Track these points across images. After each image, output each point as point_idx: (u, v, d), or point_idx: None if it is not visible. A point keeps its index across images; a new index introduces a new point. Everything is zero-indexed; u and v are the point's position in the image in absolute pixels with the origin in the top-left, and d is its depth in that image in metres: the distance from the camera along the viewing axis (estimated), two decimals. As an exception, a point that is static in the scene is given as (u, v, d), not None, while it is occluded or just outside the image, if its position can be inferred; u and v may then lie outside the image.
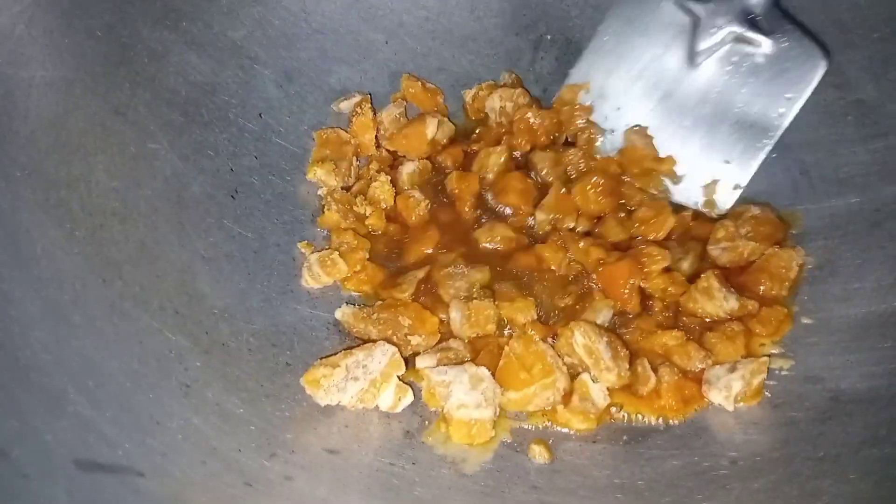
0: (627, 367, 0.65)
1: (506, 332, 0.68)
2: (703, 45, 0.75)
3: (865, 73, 0.80)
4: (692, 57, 0.76)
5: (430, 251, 0.73)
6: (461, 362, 0.64)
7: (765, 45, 0.75)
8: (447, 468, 0.61)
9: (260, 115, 0.80)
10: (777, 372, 0.67)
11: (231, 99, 0.79)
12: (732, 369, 0.65)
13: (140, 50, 0.74)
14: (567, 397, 0.64)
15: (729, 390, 0.65)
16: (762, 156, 0.74)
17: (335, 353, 0.64)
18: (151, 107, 0.74)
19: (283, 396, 0.63)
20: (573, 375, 0.65)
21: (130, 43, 0.73)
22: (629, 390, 0.65)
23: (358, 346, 0.65)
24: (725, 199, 0.75)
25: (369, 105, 0.81)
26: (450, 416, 0.62)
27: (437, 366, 0.64)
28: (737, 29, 0.74)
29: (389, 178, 0.77)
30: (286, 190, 0.78)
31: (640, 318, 0.69)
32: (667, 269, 0.70)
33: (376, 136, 0.81)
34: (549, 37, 0.89)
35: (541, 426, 0.64)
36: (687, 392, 0.65)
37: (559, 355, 0.65)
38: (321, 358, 0.64)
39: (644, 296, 0.70)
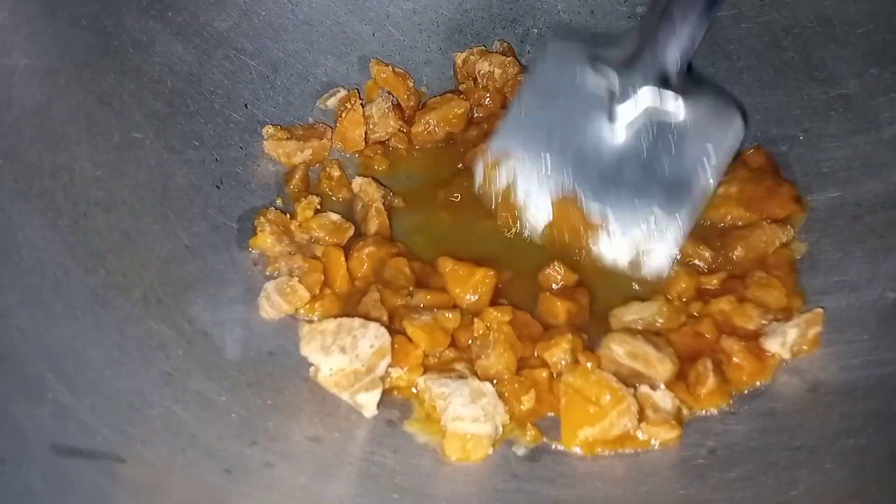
0: (672, 351, 0.65)
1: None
2: (622, 110, 0.73)
3: (848, 68, 0.80)
4: (612, 123, 0.74)
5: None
6: (464, 376, 0.63)
7: (682, 108, 0.73)
8: (428, 456, 0.61)
9: (246, 105, 0.81)
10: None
11: (217, 89, 0.79)
12: (788, 321, 0.66)
13: (125, 40, 0.74)
14: (640, 415, 0.62)
15: (784, 337, 0.66)
16: (692, 220, 0.72)
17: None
18: (137, 96, 0.74)
19: (265, 385, 0.64)
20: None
21: (115, 32, 0.74)
22: (687, 390, 0.65)
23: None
24: (659, 265, 0.72)
25: (358, 100, 0.81)
26: (444, 429, 0.61)
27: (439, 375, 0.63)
28: (653, 94, 0.72)
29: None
30: (271, 180, 0.78)
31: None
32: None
33: (365, 133, 0.81)
34: (535, 30, 0.89)
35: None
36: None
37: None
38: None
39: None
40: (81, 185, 0.67)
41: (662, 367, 0.64)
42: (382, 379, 0.63)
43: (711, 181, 0.73)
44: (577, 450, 0.62)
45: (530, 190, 0.75)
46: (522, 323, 0.68)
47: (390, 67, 0.84)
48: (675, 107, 0.74)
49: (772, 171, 0.77)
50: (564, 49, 0.80)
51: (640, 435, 0.62)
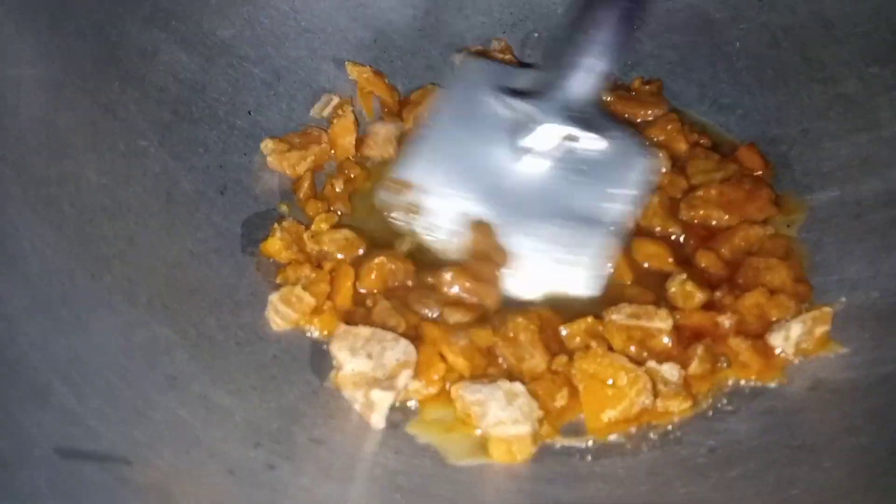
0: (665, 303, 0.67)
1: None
2: (526, 141, 0.73)
3: (848, 67, 0.81)
4: (517, 153, 0.74)
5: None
6: (494, 380, 0.64)
7: (587, 141, 0.73)
8: (430, 457, 0.62)
9: (249, 112, 0.81)
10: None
11: (220, 97, 0.80)
12: (795, 317, 0.67)
13: (129, 49, 0.75)
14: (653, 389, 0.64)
15: (788, 332, 0.66)
16: (612, 245, 0.72)
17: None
18: (141, 105, 0.75)
19: (269, 388, 0.64)
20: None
21: (120, 42, 0.74)
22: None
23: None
24: (586, 286, 0.71)
25: (350, 107, 0.81)
26: (487, 435, 0.62)
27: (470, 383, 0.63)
28: (557, 126, 0.72)
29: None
30: (275, 186, 0.79)
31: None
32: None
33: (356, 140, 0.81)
34: (536, 34, 0.90)
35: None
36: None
37: None
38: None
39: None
40: (87, 192, 0.68)
41: (661, 323, 0.66)
42: (399, 389, 0.64)
43: (626, 209, 0.74)
44: (580, 446, 0.63)
45: (436, 221, 0.75)
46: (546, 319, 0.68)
47: (368, 67, 0.84)
48: (584, 140, 0.74)
49: (763, 169, 0.77)
50: (477, 73, 0.81)
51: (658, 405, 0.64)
